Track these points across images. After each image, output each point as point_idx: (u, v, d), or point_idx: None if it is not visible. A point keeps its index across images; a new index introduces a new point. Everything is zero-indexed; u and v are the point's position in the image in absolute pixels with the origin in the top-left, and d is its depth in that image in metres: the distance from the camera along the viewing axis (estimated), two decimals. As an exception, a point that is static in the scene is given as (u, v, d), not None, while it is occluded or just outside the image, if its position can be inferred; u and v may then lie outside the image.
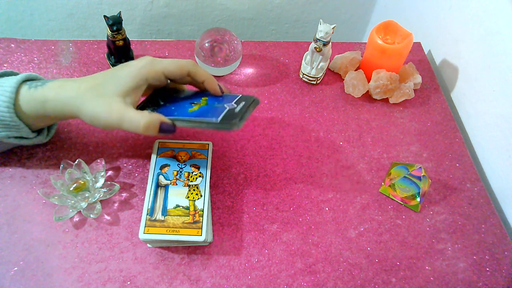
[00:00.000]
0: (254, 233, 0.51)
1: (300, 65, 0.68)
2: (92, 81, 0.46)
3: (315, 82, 0.67)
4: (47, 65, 0.64)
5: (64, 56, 0.66)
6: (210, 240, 0.49)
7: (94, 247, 0.48)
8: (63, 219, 0.49)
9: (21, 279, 0.45)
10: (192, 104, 0.49)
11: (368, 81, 0.66)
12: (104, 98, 0.44)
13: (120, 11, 0.59)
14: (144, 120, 0.43)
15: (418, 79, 0.67)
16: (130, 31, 0.93)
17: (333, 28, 0.60)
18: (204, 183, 0.50)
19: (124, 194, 0.53)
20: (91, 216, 0.49)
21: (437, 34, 0.75)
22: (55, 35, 0.99)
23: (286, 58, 0.71)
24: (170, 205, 0.48)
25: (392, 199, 0.56)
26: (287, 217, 0.53)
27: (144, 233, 0.45)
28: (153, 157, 0.52)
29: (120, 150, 0.56)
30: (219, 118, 0.44)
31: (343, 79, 0.68)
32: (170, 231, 0.46)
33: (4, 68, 0.63)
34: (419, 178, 0.52)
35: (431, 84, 0.70)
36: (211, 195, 0.53)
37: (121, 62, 0.63)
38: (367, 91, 0.66)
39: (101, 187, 0.51)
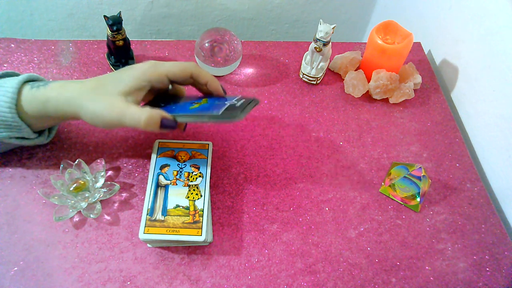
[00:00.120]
0: (254, 233, 0.51)
1: (300, 65, 0.68)
2: (94, 82, 0.46)
3: (315, 82, 0.67)
4: (47, 65, 0.64)
5: (64, 56, 0.66)
6: (210, 240, 0.49)
7: (94, 247, 0.48)
8: (63, 219, 0.49)
9: (21, 279, 0.45)
10: (193, 103, 0.49)
11: (368, 81, 0.66)
12: (106, 97, 0.44)
13: (120, 11, 0.59)
14: (145, 115, 0.43)
15: (418, 79, 0.67)
16: (130, 31, 0.93)
17: (333, 28, 0.60)
18: (204, 183, 0.50)
19: (124, 194, 0.53)
20: (91, 216, 0.49)
21: (437, 34, 0.75)
22: (55, 35, 0.99)
23: (286, 58, 0.71)
24: (170, 205, 0.48)
25: (392, 199, 0.56)
26: (287, 217, 0.53)
27: (144, 233, 0.45)
28: (153, 157, 0.52)
29: (120, 150, 0.56)
30: (220, 111, 0.44)
31: (343, 79, 0.68)
32: (170, 231, 0.46)
33: (4, 68, 0.63)
34: (419, 178, 0.52)
35: (431, 84, 0.70)
36: (211, 195, 0.53)
37: (121, 62, 0.63)
38: (367, 91, 0.66)
39: (101, 187, 0.51)
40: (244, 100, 0.48)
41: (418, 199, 0.54)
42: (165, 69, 0.47)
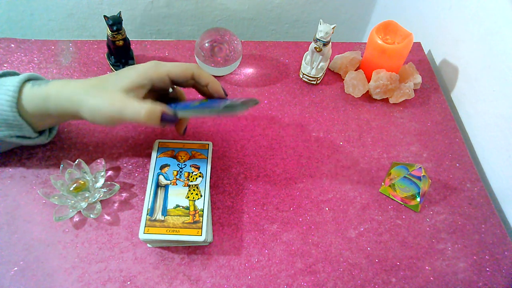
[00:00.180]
0: (254, 233, 0.51)
1: (300, 65, 0.68)
2: (96, 80, 0.46)
3: (315, 82, 0.67)
4: (47, 65, 0.64)
5: (64, 56, 0.66)
6: (210, 240, 0.49)
7: (94, 247, 0.48)
8: (63, 219, 0.49)
9: (21, 279, 0.45)
10: (194, 102, 0.49)
11: (368, 81, 0.66)
12: (107, 92, 0.44)
13: (120, 11, 0.59)
14: (146, 108, 0.43)
15: (418, 79, 0.67)
16: (130, 31, 0.93)
17: (333, 28, 0.60)
18: (204, 183, 0.50)
19: (124, 194, 0.53)
20: (91, 216, 0.49)
21: (437, 34, 0.75)
22: (55, 35, 0.99)
23: (286, 58, 0.71)
24: (170, 205, 0.48)
25: (392, 199, 0.56)
26: (287, 217, 0.53)
27: (144, 233, 0.45)
28: (153, 157, 0.52)
29: (120, 150, 0.56)
30: (221, 106, 0.44)
31: (343, 79, 0.68)
32: (170, 231, 0.46)
33: (4, 68, 0.63)
34: (419, 178, 0.52)
35: (431, 84, 0.70)
36: (211, 195, 0.53)
37: (121, 62, 0.63)
38: (367, 91, 0.66)
39: (101, 187, 0.51)
40: (244, 99, 0.48)
41: (418, 199, 0.54)
42: (166, 68, 0.47)
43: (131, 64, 0.64)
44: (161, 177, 0.50)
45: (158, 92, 0.50)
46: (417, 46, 0.76)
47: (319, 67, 0.65)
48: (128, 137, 0.58)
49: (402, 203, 0.55)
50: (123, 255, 0.48)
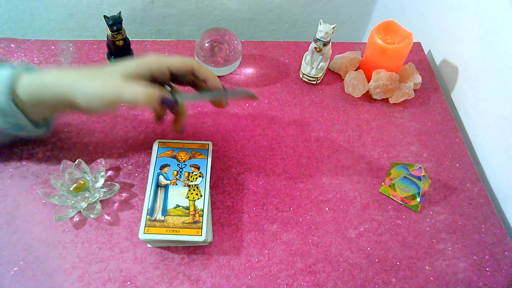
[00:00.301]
0: (254, 233, 0.51)
1: (300, 65, 0.68)
2: (93, 68, 0.46)
3: (315, 82, 0.67)
4: (47, 65, 0.64)
5: (64, 56, 0.66)
6: (210, 240, 0.49)
7: (94, 247, 0.48)
8: (63, 219, 0.49)
9: (21, 279, 0.45)
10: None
11: (368, 81, 0.66)
12: (104, 76, 0.44)
13: (120, 11, 0.59)
14: (145, 90, 0.42)
15: (418, 79, 0.67)
16: (130, 31, 0.92)
17: (333, 28, 0.60)
18: (204, 183, 0.50)
19: (124, 194, 0.53)
20: (91, 216, 0.49)
21: (437, 34, 0.75)
22: (55, 35, 0.99)
23: (286, 58, 0.71)
24: (170, 205, 0.48)
25: (392, 199, 0.56)
26: (287, 217, 0.53)
27: (144, 233, 0.45)
28: (153, 157, 0.52)
29: (120, 150, 0.56)
30: (220, 92, 0.44)
31: (343, 79, 0.68)
32: (170, 231, 0.46)
33: (4, 68, 0.63)
34: (419, 178, 0.52)
35: (431, 84, 0.70)
36: (211, 195, 0.53)
37: (121, 62, 0.63)
38: (367, 91, 0.66)
39: (101, 187, 0.51)
40: (246, 91, 0.49)
41: (418, 199, 0.54)
42: (167, 60, 0.47)
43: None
44: (161, 177, 0.50)
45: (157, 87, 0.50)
46: (417, 46, 0.76)
47: (319, 67, 0.65)
48: (128, 137, 0.58)
49: (402, 203, 0.55)
50: (123, 255, 0.48)
